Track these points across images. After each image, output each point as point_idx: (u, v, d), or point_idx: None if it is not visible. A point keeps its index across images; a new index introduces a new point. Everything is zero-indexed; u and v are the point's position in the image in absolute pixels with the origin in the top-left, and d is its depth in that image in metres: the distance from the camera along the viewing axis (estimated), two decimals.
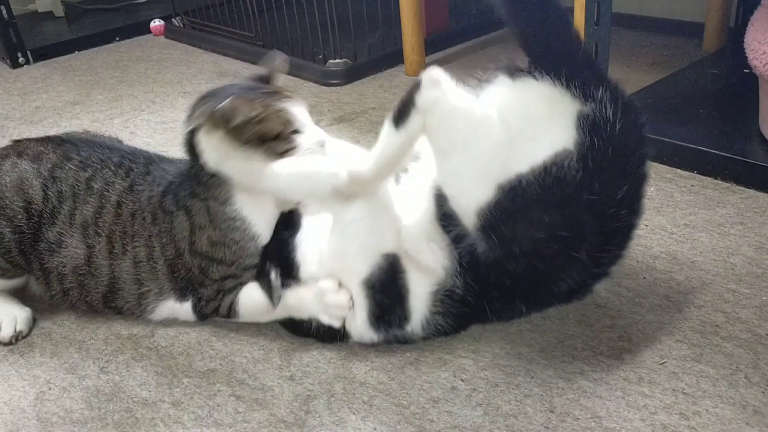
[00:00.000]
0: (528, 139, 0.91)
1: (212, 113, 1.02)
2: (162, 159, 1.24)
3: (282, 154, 1.06)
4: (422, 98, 0.90)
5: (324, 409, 1.00)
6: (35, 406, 1.05)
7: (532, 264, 0.94)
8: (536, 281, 0.98)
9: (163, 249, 1.13)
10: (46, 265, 1.17)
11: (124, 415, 1.02)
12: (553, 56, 0.92)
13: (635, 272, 1.21)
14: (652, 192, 1.44)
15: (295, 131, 1.07)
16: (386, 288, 1.04)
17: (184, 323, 1.19)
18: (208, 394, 1.04)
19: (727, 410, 0.93)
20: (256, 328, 1.17)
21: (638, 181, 0.95)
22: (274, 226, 1.12)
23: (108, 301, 1.18)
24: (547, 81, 0.92)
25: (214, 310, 1.15)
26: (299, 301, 1.10)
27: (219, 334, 1.16)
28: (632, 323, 1.10)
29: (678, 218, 1.35)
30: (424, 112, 0.91)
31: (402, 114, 0.93)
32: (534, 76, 0.93)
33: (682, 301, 1.14)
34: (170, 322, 1.19)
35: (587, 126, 0.88)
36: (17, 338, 1.19)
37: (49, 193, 1.16)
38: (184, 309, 1.17)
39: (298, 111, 1.08)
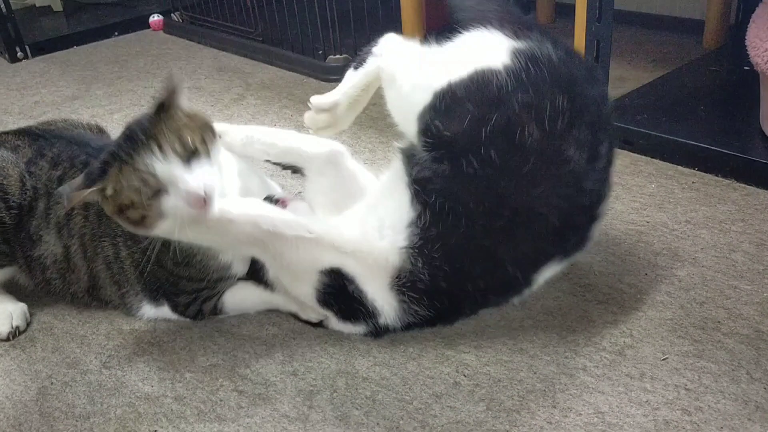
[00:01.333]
0: (462, 59, 1.03)
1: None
2: None
3: (141, 222, 0.96)
4: (378, 47, 1.13)
5: (327, 404, 1.00)
6: (37, 401, 1.05)
7: (482, 153, 0.95)
8: (502, 187, 0.96)
9: (130, 252, 1.11)
10: (28, 254, 1.16)
11: (127, 410, 1.02)
12: (486, 13, 1.10)
13: (637, 268, 1.21)
14: (653, 189, 1.45)
15: (158, 193, 0.93)
16: (339, 297, 1.06)
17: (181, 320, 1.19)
18: (210, 389, 1.04)
19: (729, 406, 0.94)
20: (259, 324, 1.17)
21: (590, 112, 0.99)
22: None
23: (93, 296, 1.18)
24: (486, 27, 1.07)
25: (197, 313, 1.16)
26: (285, 303, 1.16)
27: (221, 330, 1.16)
28: (634, 319, 1.10)
29: (679, 215, 1.35)
30: (379, 56, 1.12)
31: (361, 61, 1.16)
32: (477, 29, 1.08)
33: (684, 297, 1.14)
34: (167, 319, 1.19)
35: (522, 55, 0.98)
36: (15, 334, 1.19)
37: (27, 185, 1.15)
38: (163, 312, 1.17)
39: (163, 168, 0.92)
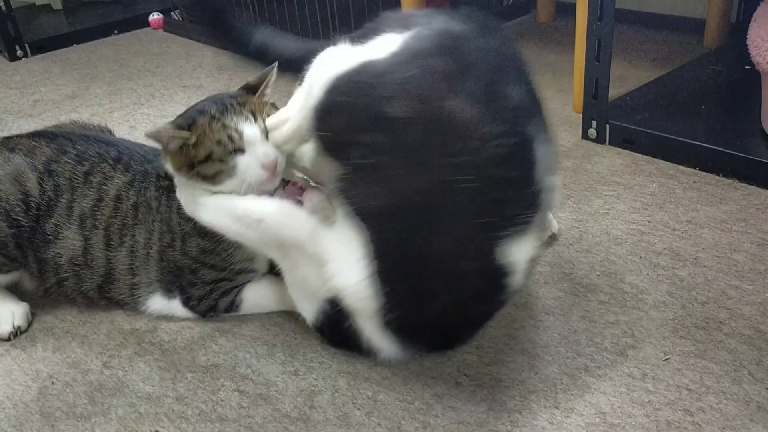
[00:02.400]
0: (354, 57, 0.97)
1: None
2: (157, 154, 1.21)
3: (212, 177, 1.04)
4: (318, 57, 1.04)
5: (328, 404, 1.00)
6: (38, 400, 1.05)
7: (366, 142, 0.90)
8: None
9: (161, 235, 1.14)
10: (42, 257, 1.16)
11: (128, 410, 1.02)
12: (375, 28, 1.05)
13: (638, 268, 1.21)
14: (654, 188, 1.45)
15: (237, 151, 1.04)
16: (336, 331, 1.04)
17: (186, 318, 1.19)
18: (211, 389, 1.04)
19: (731, 406, 0.94)
20: (260, 323, 1.17)
21: (485, 61, 0.95)
22: None
23: (103, 292, 1.18)
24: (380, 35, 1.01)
25: (210, 308, 1.16)
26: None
27: (222, 329, 1.16)
28: (635, 319, 1.10)
29: (680, 214, 1.35)
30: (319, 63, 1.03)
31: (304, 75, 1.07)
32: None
33: (685, 297, 1.14)
34: (172, 316, 1.19)
35: (408, 39, 0.94)
36: (16, 334, 1.18)
37: (45, 186, 1.15)
38: (173, 306, 1.17)
39: (249, 130, 1.05)
